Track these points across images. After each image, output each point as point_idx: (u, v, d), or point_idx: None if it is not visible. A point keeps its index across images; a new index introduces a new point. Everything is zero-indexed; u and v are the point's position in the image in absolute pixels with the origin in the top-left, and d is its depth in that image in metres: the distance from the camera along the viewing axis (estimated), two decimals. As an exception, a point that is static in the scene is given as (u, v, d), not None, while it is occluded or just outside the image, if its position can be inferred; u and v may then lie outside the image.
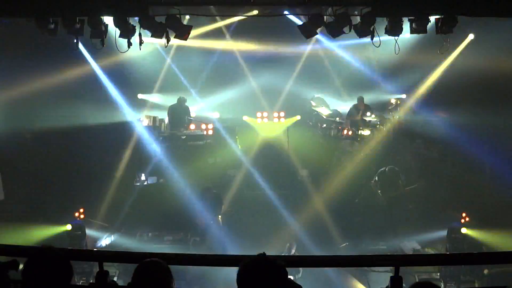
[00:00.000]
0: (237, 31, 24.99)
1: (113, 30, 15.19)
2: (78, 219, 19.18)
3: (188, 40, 16.27)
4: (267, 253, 4.95)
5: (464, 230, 18.55)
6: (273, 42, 25.28)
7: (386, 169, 21.35)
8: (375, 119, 23.51)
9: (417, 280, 16.94)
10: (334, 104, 25.47)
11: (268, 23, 21.29)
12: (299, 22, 18.54)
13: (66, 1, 14.51)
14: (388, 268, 15.26)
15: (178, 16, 15.34)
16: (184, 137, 23.08)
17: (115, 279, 15.82)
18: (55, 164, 22.64)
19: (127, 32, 15.05)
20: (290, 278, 5.01)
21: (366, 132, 23.14)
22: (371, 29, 15.11)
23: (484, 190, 21.77)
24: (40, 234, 18.59)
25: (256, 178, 22.43)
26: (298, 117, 25.03)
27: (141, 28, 15.07)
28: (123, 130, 23.97)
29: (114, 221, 21.26)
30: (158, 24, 15.19)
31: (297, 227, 19.47)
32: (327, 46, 24.85)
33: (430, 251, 19.57)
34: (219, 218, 20.37)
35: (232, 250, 19.54)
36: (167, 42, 15.48)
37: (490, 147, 23.23)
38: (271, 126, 24.67)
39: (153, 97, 25.76)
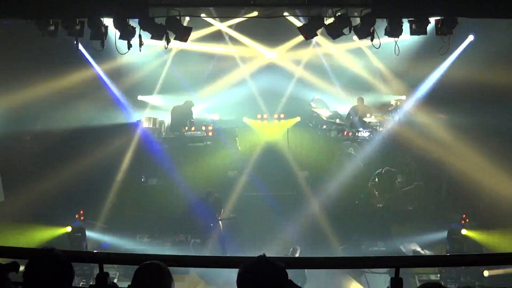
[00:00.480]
0: (238, 30, 25.10)
1: (113, 32, 15.20)
2: (78, 221, 19.17)
3: (188, 43, 16.32)
4: (268, 255, 4.96)
5: (464, 232, 18.55)
6: (273, 43, 25.33)
7: (383, 171, 21.36)
8: (375, 121, 23.53)
9: (417, 282, 17.02)
10: (334, 105, 25.47)
11: (268, 25, 21.42)
12: (299, 24, 18.62)
13: (66, 3, 14.50)
14: (387, 270, 15.30)
15: (178, 17, 15.35)
16: (184, 138, 23.05)
17: (115, 281, 15.85)
18: (56, 165, 22.63)
19: (127, 33, 15.06)
20: (290, 280, 5.01)
21: (366, 134, 23.14)
22: (371, 30, 15.12)
23: (484, 192, 21.77)
24: (41, 236, 18.59)
25: (256, 179, 22.45)
26: (298, 119, 25.04)
27: (141, 30, 15.07)
28: (124, 131, 23.98)
29: (114, 223, 21.27)
30: (158, 25, 15.20)
31: (297, 229, 19.44)
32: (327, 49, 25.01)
33: (427, 252, 19.60)
34: (220, 223, 20.30)
35: (232, 252, 19.61)
36: (167, 44, 15.50)
37: (489, 148, 23.27)
38: (271, 128, 24.67)
39: (153, 99, 25.75)
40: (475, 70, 22.59)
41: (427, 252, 19.34)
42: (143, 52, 15.95)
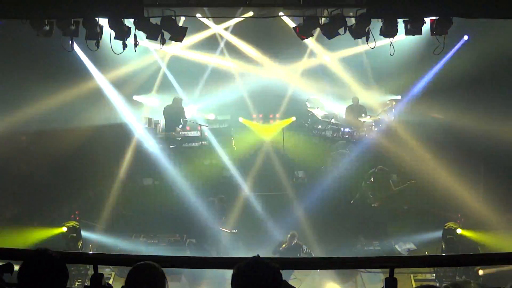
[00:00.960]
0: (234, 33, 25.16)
1: (109, 32, 15.18)
2: (73, 221, 19.14)
3: (183, 50, 16.32)
4: (266, 252, 4.95)
5: (459, 231, 18.58)
6: (269, 45, 25.32)
7: (376, 170, 21.34)
8: (370, 120, 23.52)
9: (412, 281, 17.03)
10: (329, 105, 25.46)
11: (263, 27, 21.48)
12: (294, 24, 18.64)
13: (61, 3, 14.46)
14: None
15: (173, 17, 15.33)
16: (179, 138, 23.02)
17: (111, 281, 15.86)
18: (51, 166, 22.63)
19: (122, 33, 15.01)
20: (285, 280, 5.00)
21: (361, 133, 23.13)
22: (366, 30, 15.13)
23: (479, 191, 21.81)
24: (36, 236, 18.58)
25: (252, 179, 22.47)
26: (293, 119, 25.04)
27: (136, 30, 15.05)
28: (119, 131, 23.97)
29: (110, 223, 21.27)
30: (153, 25, 15.16)
31: (292, 229, 19.41)
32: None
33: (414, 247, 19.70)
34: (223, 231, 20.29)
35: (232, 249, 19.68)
36: (162, 44, 15.46)
37: (484, 147, 23.30)
38: (266, 128, 24.65)
39: (149, 99, 25.73)
40: (471, 69, 22.67)
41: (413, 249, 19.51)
42: (140, 54, 15.97)
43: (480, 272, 16.91)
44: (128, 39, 15.13)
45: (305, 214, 20.35)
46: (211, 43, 25.02)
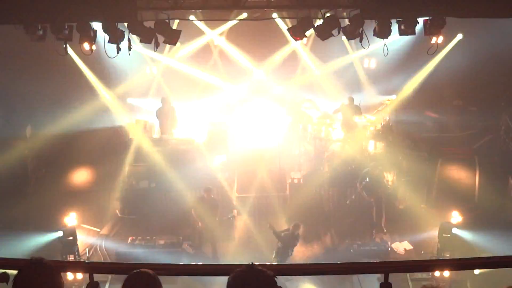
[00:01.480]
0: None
1: (102, 36, 15.18)
2: (69, 224, 19.09)
3: (177, 62, 16.31)
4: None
5: (455, 230, 18.58)
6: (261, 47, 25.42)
7: (369, 169, 21.31)
8: (366, 120, 23.53)
9: (409, 280, 17.04)
10: (324, 105, 25.49)
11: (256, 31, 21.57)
12: (287, 26, 18.66)
13: (54, 7, 14.46)
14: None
15: (167, 21, 15.33)
16: (174, 141, 22.97)
17: (107, 285, 15.85)
18: (45, 169, 22.64)
19: (116, 37, 15.03)
20: (280, 287, 4.99)
21: (356, 133, 23.12)
22: (360, 31, 15.15)
23: (475, 190, 21.86)
24: (32, 243, 18.51)
25: (247, 181, 22.46)
26: (289, 119, 25.05)
27: (130, 33, 15.05)
28: (115, 134, 24.00)
29: (106, 226, 21.26)
30: (147, 29, 15.18)
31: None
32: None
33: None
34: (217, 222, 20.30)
35: (225, 255, 19.66)
36: (156, 47, 15.48)
37: (480, 145, 23.40)
38: (262, 128, 24.62)
39: (143, 102, 25.77)
40: (464, 67, 22.76)
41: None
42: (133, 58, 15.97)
43: (476, 271, 16.89)
44: (122, 43, 15.16)
45: (300, 216, 20.29)
46: (205, 53, 25.28)
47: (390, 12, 14.83)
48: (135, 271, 5.31)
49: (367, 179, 20.84)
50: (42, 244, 18.54)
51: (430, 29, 15.15)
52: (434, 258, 18.67)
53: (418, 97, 25.15)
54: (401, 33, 15.36)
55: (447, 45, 24.06)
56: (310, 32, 16.15)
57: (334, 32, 15.28)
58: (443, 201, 21.24)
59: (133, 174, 22.60)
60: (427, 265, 7.70)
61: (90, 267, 6.57)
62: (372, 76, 26.48)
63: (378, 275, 6.28)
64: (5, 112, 22.28)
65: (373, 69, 26.13)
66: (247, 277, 4.63)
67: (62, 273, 5.56)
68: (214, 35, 25.50)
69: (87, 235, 20.55)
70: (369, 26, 15.31)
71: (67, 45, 15.48)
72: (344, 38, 23.08)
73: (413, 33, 15.19)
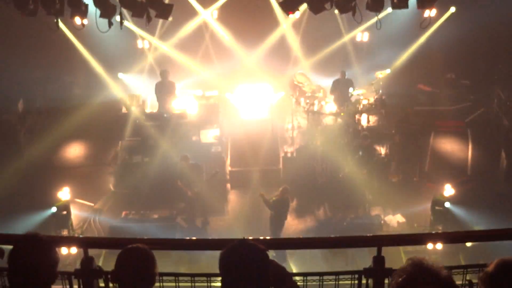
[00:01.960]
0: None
1: (94, 10, 15.09)
2: (63, 199, 19.05)
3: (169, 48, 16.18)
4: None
5: (448, 204, 18.59)
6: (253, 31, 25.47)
7: (360, 140, 21.31)
8: (358, 94, 23.52)
9: (402, 252, 17.08)
10: (316, 79, 25.44)
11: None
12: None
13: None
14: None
15: (159, -6, 15.27)
16: (166, 115, 22.90)
17: (101, 259, 15.87)
18: (37, 145, 22.62)
19: (107, 12, 14.94)
20: (274, 260, 5.04)
21: (349, 107, 23.11)
22: (353, 5, 15.10)
23: (467, 163, 21.94)
24: (25, 220, 18.48)
25: (241, 155, 22.44)
26: (282, 93, 25.03)
27: (122, 8, 14.97)
28: (108, 109, 23.98)
29: (99, 201, 21.27)
30: (139, 3, 15.09)
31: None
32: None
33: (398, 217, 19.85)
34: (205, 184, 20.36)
35: (218, 227, 19.71)
36: (148, 22, 15.40)
37: (473, 119, 23.45)
38: (254, 102, 24.55)
39: (134, 77, 25.71)
40: (457, 40, 22.75)
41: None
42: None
43: (468, 244, 16.95)
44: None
45: (293, 189, 20.34)
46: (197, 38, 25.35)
47: (383, -15, 14.80)
48: (129, 246, 5.34)
49: (360, 153, 20.86)
50: (36, 221, 18.55)
51: (423, 3, 15.11)
52: (427, 231, 18.74)
53: (410, 71, 25.15)
54: (394, 6, 15.34)
55: (440, 19, 24.04)
56: (304, 7, 16.10)
57: (327, 5, 15.23)
58: (436, 174, 21.31)
59: (126, 148, 22.59)
60: (420, 238, 7.72)
61: (85, 242, 6.62)
62: (365, 50, 26.44)
63: (371, 248, 6.33)
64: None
65: (366, 43, 26.07)
66: (240, 251, 4.67)
67: (57, 248, 5.60)
68: (207, 14, 25.52)
69: (81, 209, 20.54)
70: (362, 0, 15.29)
71: (59, 20, 15.42)
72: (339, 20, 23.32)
73: (406, 6, 15.15)
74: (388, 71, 24.35)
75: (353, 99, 23.33)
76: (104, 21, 15.00)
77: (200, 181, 20.17)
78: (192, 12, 25.49)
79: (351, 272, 6.26)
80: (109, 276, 5.76)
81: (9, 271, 5.28)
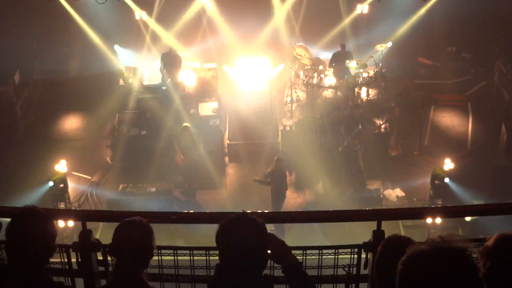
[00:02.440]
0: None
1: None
2: (60, 171, 19.04)
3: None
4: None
5: (447, 180, 18.57)
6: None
7: (361, 115, 21.22)
8: (358, 67, 23.46)
9: (401, 227, 17.15)
10: (316, 52, 25.35)
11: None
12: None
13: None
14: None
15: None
16: (165, 87, 22.78)
17: (98, 232, 15.91)
18: (35, 117, 22.62)
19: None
20: (272, 234, 5.05)
21: (349, 80, 23.03)
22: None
23: (467, 137, 21.96)
24: (23, 196, 18.49)
25: (240, 128, 22.39)
26: (281, 66, 24.96)
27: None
28: (105, 81, 23.95)
29: (96, 173, 21.29)
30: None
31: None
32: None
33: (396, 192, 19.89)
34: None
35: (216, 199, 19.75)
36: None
37: (473, 92, 23.42)
38: (253, 75, 24.45)
39: (131, 49, 25.64)
40: (457, 13, 22.70)
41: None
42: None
43: (467, 218, 17.01)
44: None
45: (292, 163, 20.37)
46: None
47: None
48: (126, 219, 5.35)
49: (360, 126, 20.80)
50: (33, 194, 18.60)
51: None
52: (426, 206, 18.81)
53: (411, 44, 25.08)
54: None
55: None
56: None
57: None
58: (435, 148, 21.33)
59: (123, 121, 22.53)
60: (419, 213, 7.76)
61: (84, 215, 6.63)
62: (365, 22, 26.34)
63: (370, 222, 6.35)
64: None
65: (365, 15, 25.94)
66: (238, 225, 4.68)
67: (55, 221, 5.61)
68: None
69: (78, 182, 20.60)
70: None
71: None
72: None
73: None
74: (389, 44, 24.23)
75: (352, 72, 23.23)
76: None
77: (199, 150, 20.10)
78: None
79: (351, 246, 6.27)
80: (107, 249, 5.77)
81: (7, 244, 5.29)
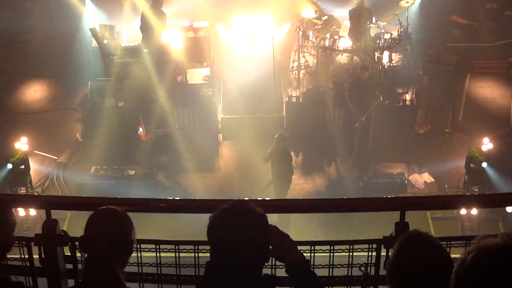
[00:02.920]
0: None
1: None
2: (20, 151, 19.04)
3: None
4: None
5: (485, 164, 18.50)
6: None
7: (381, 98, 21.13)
8: (379, 27, 23.36)
9: (429, 219, 17.19)
10: (329, 8, 25.23)
11: None
12: None
13: None
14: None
15: None
16: (147, 50, 22.64)
17: (65, 223, 15.93)
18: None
19: None
20: (274, 225, 5.04)
21: (367, 42, 22.95)
22: None
23: (510, 112, 21.96)
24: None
25: (236, 99, 22.33)
26: (287, 25, 24.89)
27: None
28: (75, 42, 23.90)
29: (65, 153, 21.29)
30: None
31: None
32: None
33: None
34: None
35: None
36: None
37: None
38: (252, 36, 24.36)
39: (105, 4, 25.49)
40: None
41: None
42: None
43: (509, 209, 17.00)
44: None
45: (299, 142, 20.39)
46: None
47: None
48: (101, 208, 5.34)
49: (381, 98, 20.76)
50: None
51: None
52: (459, 193, 18.85)
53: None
54: None
55: None
56: None
57: None
58: (471, 125, 21.34)
59: (97, 90, 22.47)
60: (452, 201, 7.72)
61: (48, 202, 6.61)
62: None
63: (391, 213, 6.34)
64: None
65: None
66: (233, 215, 4.65)
67: (14, 209, 5.61)
68: None
69: (42, 163, 20.61)
70: None
71: None
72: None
73: None
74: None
75: (372, 33, 23.15)
76: None
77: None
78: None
79: (369, 241, 6.26)
80: (76, 243, 5.77)
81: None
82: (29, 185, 18.80)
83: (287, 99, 22.38)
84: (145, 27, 22.76)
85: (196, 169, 20.51)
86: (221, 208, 4.68)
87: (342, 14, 24.24)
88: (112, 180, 19.49)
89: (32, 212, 16.70)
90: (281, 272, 5.21)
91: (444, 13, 25.47)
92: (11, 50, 23.65)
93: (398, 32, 22.73)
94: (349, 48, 23.24)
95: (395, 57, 23.40)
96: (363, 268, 6.22)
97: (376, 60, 22.72)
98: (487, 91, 22.65)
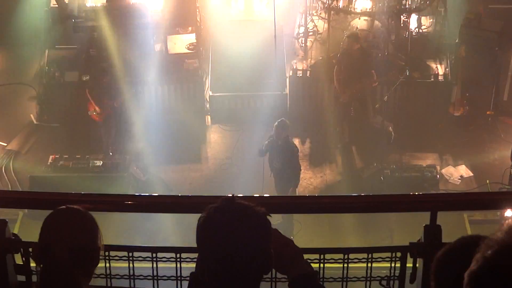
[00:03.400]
0: None
1: None
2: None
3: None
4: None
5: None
6: None
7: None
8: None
9: (467, 222, 17.25)
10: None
11: None
12: None
13: None
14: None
15: None
16: (116, 11, 22.39)
17: (17, 225, 15.97)
18: None
19: None
20: (276, 229, 5.02)
21: (391, 3, 22.92)
22: None
23: None
24: None
25: (228, 73, 22.33)
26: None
27: None
28: (28, 2, 23.90)
29: (15, 139, 21.32)
30: None
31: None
32: None
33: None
34: None
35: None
36: None
37: None
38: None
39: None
40: None
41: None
42: None
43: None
44: None
45: (305, 126, 20.43)
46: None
47: None
48: (59, 207, 5.35)
49: (407, 72, 20.78)
50: None
51: None
52: (504, 190, 18.87)
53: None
54: None
55: None
56: None
57: None
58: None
59: (56, 61, 22.47)
60: (494, 200, 7.70)
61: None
62: None
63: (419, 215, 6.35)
64: None
65: None
66: (227, 215, 4.61)
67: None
68: None
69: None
70: None
71: None
72: None
73: None
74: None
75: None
76: None
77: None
78: None
79: (391, 249, 6.25)
80: (30, 250, 5.78)
81: None
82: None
83: (291, 73, 22.38)
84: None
85: (178, 159, 20.55)
86: (213, 207, 4.62)
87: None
88: (75, 172, 19.47)
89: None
90: (283, 286, 5.22)
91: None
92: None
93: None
94: (368, 10, 23.19)
95: (426, 21, 23.41)
96: (384, 283, 6.22)
97: (402, 25, 22.71)
98: (539, 64, 22.70)
